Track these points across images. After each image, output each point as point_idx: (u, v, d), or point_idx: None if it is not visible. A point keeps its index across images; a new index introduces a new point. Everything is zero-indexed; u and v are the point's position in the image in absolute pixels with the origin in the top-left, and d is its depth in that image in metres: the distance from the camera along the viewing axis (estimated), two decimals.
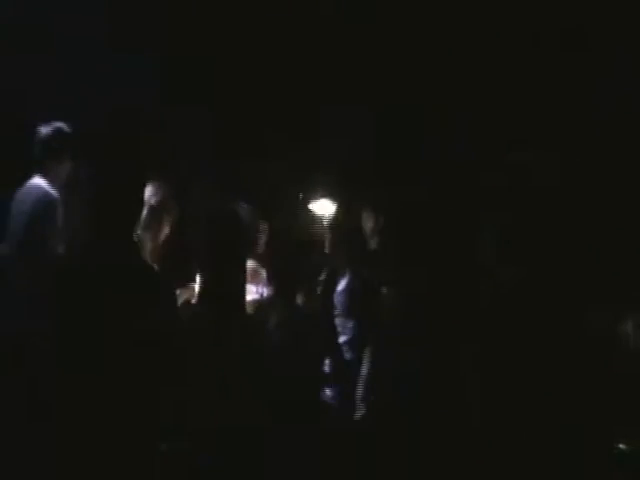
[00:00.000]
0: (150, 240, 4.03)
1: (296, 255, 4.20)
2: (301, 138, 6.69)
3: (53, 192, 4.47)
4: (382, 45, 6.28)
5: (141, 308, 2.80)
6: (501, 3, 5.95)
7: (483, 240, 3.37)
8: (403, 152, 6.32)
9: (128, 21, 6.00)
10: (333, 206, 6.25)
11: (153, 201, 4.07)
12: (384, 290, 4.54)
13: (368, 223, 4.86)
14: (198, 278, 3.29)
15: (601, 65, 5.51)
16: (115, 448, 2.72)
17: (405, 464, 4.16)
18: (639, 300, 4.33)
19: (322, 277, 4.73)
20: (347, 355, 4.51)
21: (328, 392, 4.42)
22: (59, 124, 4.65)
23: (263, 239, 5.26)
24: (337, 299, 4.60)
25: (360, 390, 4.40)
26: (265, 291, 4.56)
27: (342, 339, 4.53)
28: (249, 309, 3.82)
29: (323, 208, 6.67)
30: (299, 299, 4.20)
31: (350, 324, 4.54)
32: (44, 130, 4.62)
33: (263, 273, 4.86)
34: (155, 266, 3.63)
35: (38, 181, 4.53)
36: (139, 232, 3.73)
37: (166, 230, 4.11)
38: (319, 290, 4.66)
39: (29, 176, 4.58)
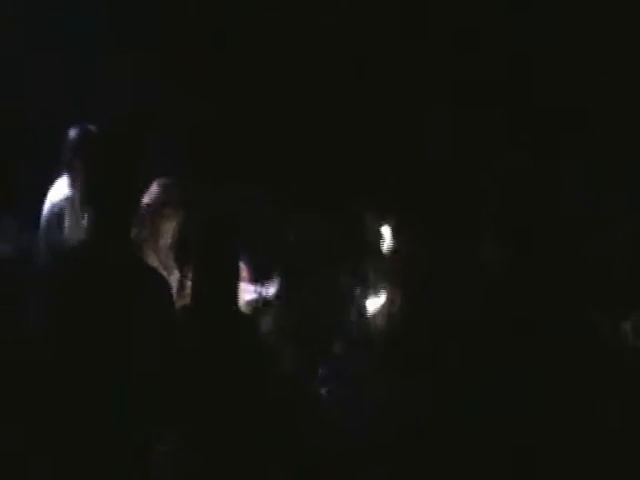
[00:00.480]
0: (150, 240, 4.04)
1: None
2: None
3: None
4: None
5: (141, 308, 2.81)
6: None
7: (480, 238, 3.37)
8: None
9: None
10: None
11: (153, 201, 4.08)
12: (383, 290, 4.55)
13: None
14: (192, 277, 3.29)
15: None
16: (114, 448, 2.73)
17: (404, 464, 4.16)
18: (639, 300, 4.33)
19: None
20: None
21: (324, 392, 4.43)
22: (88, 125, 4.68)
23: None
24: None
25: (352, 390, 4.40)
26: (264, 291, 4.56)
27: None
28: (247, 309, 3.82)
29: None
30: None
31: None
32: (73, 132, 4.67)
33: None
34: (155, 266, 3.63)
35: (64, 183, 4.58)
36: (139, 232, 3.74)
37: (166, 230, 4.12)
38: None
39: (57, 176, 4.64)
